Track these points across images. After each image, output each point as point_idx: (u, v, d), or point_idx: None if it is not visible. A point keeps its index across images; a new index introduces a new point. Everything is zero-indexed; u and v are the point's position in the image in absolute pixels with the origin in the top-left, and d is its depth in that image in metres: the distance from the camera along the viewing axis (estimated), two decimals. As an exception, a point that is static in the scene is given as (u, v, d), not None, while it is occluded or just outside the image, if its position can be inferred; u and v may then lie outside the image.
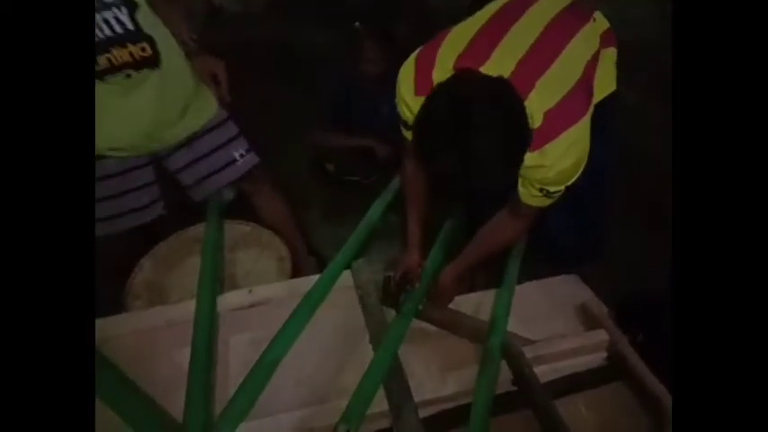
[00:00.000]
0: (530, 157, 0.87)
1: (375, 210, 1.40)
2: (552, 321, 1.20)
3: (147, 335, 1.13)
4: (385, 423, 0.96)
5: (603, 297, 1.24)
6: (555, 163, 0.88)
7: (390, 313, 1.14)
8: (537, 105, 0.85)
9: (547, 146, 0.86)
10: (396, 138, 1.61)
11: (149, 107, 1.19)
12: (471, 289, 1.29)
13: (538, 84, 0.86)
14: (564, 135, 0.86)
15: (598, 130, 0.94)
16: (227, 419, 0.92)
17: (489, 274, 1.33)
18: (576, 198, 1.00)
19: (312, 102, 1.91)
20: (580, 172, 0.92)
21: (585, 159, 0.92)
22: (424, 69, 0.92)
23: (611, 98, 1.05)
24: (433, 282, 1.19)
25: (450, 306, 1.19)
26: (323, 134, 1.80)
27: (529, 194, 0.97)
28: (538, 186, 0.94)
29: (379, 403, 0.96)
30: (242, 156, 1.38)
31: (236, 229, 1.43)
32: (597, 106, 0.97)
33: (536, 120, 0.85)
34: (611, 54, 1.08)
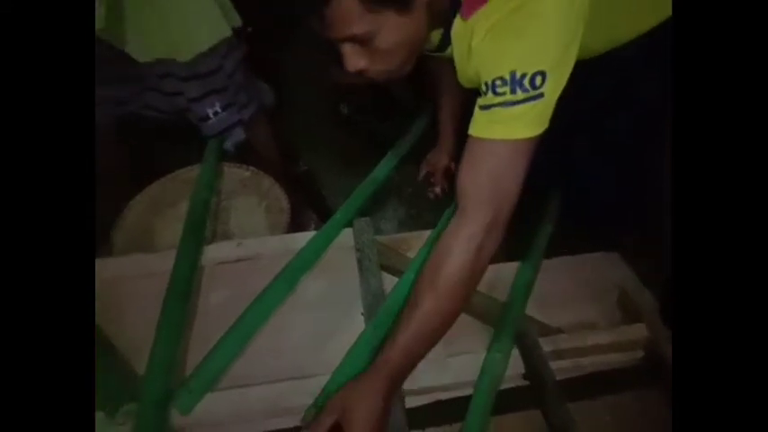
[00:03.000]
0: (456, 24, 0.65)
1: (387, 162, 1.22)
2: (583, 308, 1.02)
3: (125, 284, 1.03)
4: (368, 409, 0.83)
5: (650, 283, 1.03)
6: (492, 25, 0.60)
7: (391, 282, 1.00)
8: None
9: (479, 9, 0.61)
10: (419, 77, 1.41)
11: None
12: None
13: None
14: None
15: (648, 62, 0.73)
16: (189, 391, 0.81)
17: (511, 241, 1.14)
18: (617, 143, 0.78)
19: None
20: (551, 58, 0.59)
21: (559, 35, 0.58)
22: None
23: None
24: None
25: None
26: (340, 70, 1.58)
27: (476, 114, 0.64)
28: (482, 88, 0.62)
29: (365, 386, 0.83)
30: (216, 114, 1.25)
31: (234, 173, 1.30)
32: (652, 32, 0.76)
33: None
34: None
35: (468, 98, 0.97)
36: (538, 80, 0.58)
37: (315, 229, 1.17)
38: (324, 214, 1.41)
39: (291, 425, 0.82)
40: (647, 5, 0.79)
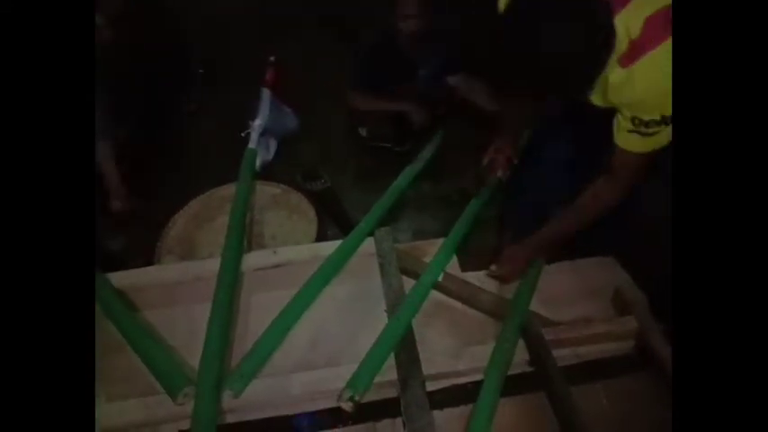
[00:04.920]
0: (616, 74, 0.82)
1: (403, 178, 1.36)
2: (582, 305, 1.14)
3: (173, 288, 1.16)
4: (394, 393, 0.95)
5: (644, 283, 1.14)
6: (644, 79, 0.80)
7: (409, 283, 1.13)
8: (636, 13, 0.79)
9: (637, 61, 0.80)
10: (433, 102, 1.56)
11: None
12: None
13: None
14: (660, 47, 0.77)
15: None
16: (239, 376, 0.94)
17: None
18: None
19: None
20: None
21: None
22: None
23: None
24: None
25: (474, 280, 1.15)
26: (357, 96, 1.74)
27: (622, 131, 0.88)
28: (629, 115, 0.85)
29: (390, 372, 0.95)
30: None
31: (266, 190, 1.45)
32: None
33: (633, 29, 0.79)
34: None
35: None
36: (668, 119, 0.81)
37: (331, 238, 1.31)
38: (345, 225, 1.54)
39: (327, 406, 0.95)
40: None
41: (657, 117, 0.81)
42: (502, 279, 1.16)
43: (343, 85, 1.82)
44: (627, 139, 0.88)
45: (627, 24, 0.78)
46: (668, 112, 0.80)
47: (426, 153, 1.55)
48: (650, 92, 0.80)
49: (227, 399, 0.93)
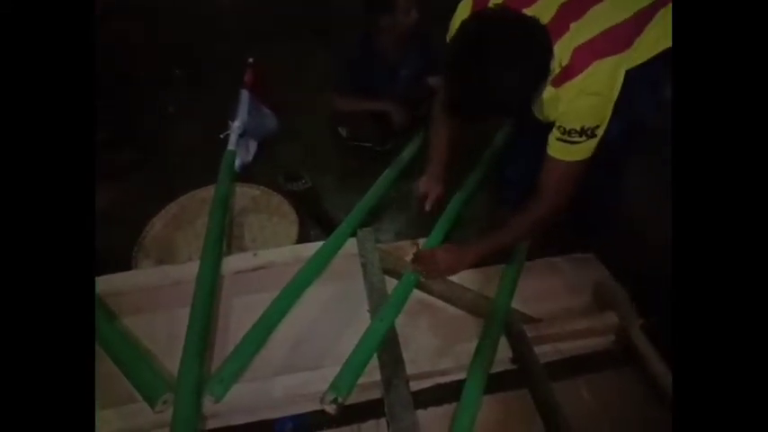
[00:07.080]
0: (548, 91, 0.92)
1: (385, 178, 1.36)
2: (563, 301, 1.15)
3: (152, 292, 1.14)
4: (377, 393, 0.95)
5: (625, 278, 1.15)
6: (567, 99, 0.91)
7: (391, 284, 1.12)
8: (567, 44, 0.89)
9: (565, 84, 0.90)
10: (413, 102, 1.56)
11: None
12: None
13: (572, 26, 0.90)
14: (586, 71, 0.88)
15: (646, 84, 0.95)
16: (220, 380, 0.92)
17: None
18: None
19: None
20: (602, 118, 0.92)
21: (608, 104, 0.91)
22: (480, 2, 0.99)
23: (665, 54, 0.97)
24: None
25: (456, 279, 1.15)
26: (338, 97, 1.74)
27: (553, 139, 0.97)
28: (557, 125, 0.95)
29: (373, 373, 0.95)
30: None
31: (246, 192, 1.43)
32: (652, 60, 0.94)
33: (564, 58, 0.90)
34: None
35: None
36: (596, 130, 0.93)
37: (313, 239, 1.29)
38: (327, 226, 1.53)
39: (310, 409, 0.94)
40: None
41: (578, 127, 0.93)
42: (427, 272, 1.12)
43: (325, 86, 1.81)
44: (555, 147, 0.98)
45: (560, 53, 0.89)
46: (588, 124, 0.92)
47: (407, 153, 1.55)
48: (572, 108, 0.92)
49: (207, 404, 0.91)
